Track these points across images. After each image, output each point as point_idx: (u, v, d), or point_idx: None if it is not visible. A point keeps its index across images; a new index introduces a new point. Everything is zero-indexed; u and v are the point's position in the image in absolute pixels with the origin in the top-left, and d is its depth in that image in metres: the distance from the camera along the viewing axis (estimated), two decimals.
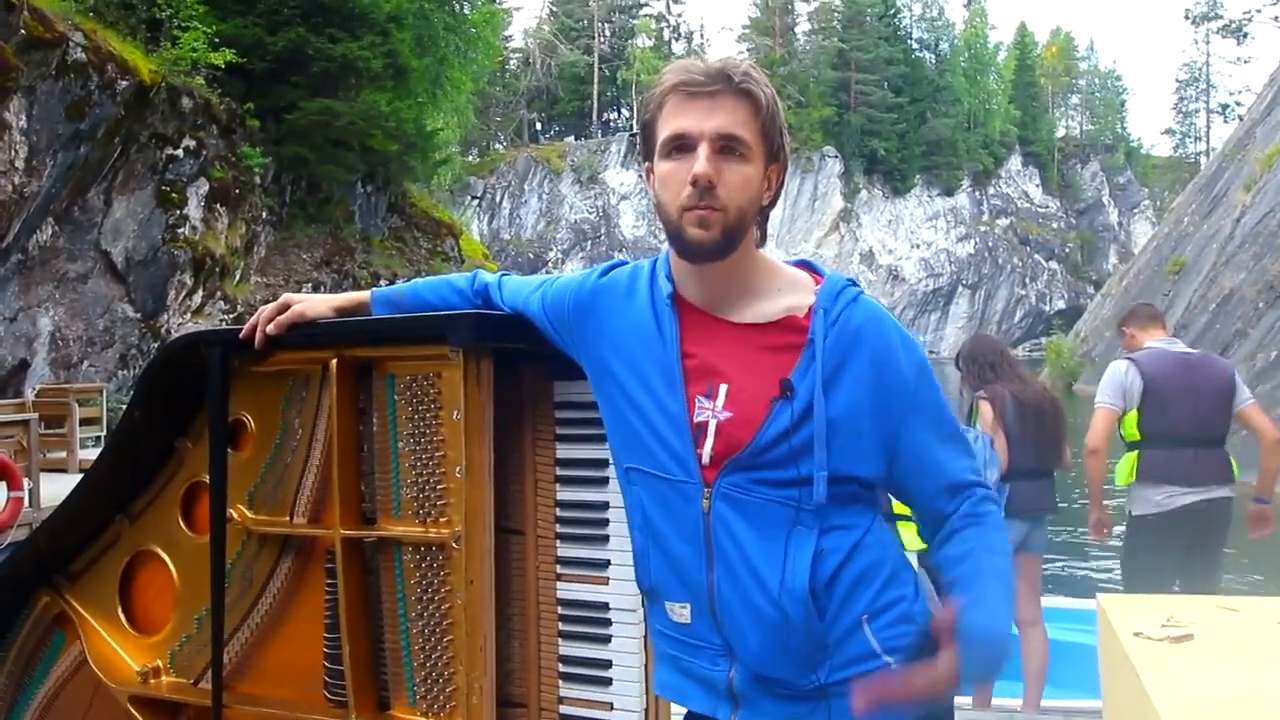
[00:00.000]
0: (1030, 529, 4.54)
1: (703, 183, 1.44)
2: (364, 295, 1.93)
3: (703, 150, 1.45)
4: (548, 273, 2.11)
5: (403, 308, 1.88)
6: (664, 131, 1.49)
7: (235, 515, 2.01)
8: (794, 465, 1.44)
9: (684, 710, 1.61)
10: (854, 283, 1.55)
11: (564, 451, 1.90)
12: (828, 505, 1.44)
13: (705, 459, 1.46)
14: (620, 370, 1.56)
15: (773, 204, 1.55)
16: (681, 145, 1.47)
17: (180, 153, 18.01)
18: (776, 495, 1.44)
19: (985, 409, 4.56)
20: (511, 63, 74.73)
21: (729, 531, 1.45)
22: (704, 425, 1.47)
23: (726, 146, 1.46)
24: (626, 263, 1.68)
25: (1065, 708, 4.52)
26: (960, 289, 78.89)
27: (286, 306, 1.90)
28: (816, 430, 1.43)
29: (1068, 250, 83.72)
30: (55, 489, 9.27)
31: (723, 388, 1.48)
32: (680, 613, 1.52)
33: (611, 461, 1.65)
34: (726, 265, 1.50)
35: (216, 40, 18.58)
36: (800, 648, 1.44)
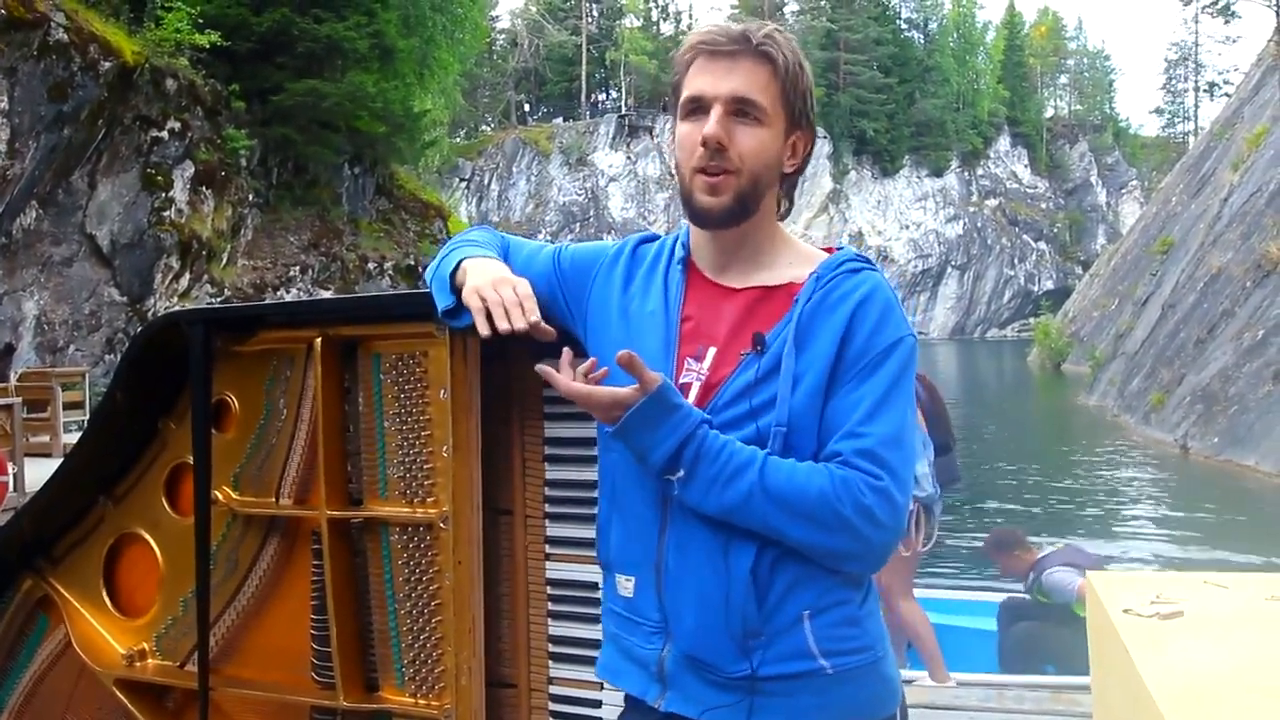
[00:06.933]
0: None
1: (712, 144, 1.43)
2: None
3: (715, 112, 1.43)
4: None
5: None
6: (685, 93, 1.48)
7: (220, 497, 1.99)
8: (752, 421, 1.40)
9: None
10: (866, 259, 1.50)
11: (552, 430, 1.88)
12: None
13: None
14: (619, 333, 1.54)
15: (798, 172, 1.53)
16: (698, 107, 1.46)
17: (165, 135, 17.88)
18: None
19: None
20: (499, 44, 74.37)
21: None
22: (687, 387, 1.46)
23: (740, 110, 1.44)
24: (658, 236, 1.66)
25: (1053, 683, 4.54)
26: (949, 270, 79.03)
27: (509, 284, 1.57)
28: (781, 386, 1.39)
29: (1056, 230, 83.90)
30: (39, 473, 9.19)
31: (710, 350, 1.47)
32: (625, 585, 1.50)
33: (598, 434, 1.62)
34: (740, 233, 1.49)
35: (200, 21, 18.45)
36: (735, 630, 1.40)
